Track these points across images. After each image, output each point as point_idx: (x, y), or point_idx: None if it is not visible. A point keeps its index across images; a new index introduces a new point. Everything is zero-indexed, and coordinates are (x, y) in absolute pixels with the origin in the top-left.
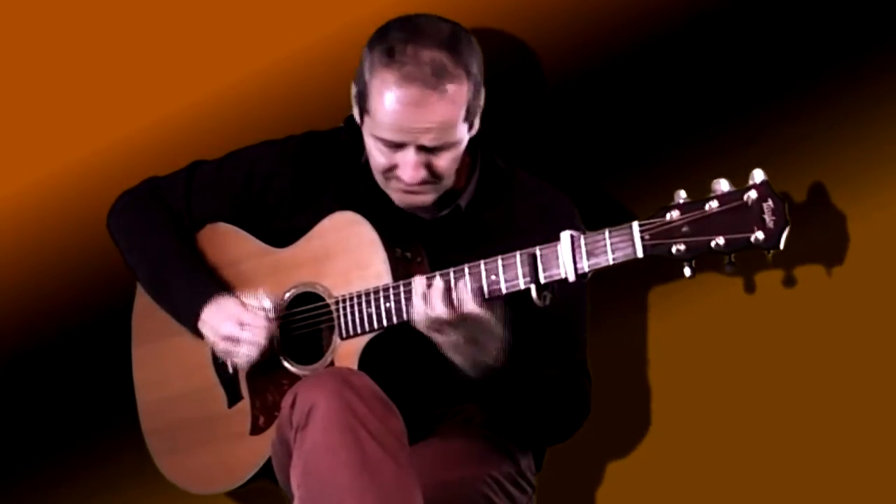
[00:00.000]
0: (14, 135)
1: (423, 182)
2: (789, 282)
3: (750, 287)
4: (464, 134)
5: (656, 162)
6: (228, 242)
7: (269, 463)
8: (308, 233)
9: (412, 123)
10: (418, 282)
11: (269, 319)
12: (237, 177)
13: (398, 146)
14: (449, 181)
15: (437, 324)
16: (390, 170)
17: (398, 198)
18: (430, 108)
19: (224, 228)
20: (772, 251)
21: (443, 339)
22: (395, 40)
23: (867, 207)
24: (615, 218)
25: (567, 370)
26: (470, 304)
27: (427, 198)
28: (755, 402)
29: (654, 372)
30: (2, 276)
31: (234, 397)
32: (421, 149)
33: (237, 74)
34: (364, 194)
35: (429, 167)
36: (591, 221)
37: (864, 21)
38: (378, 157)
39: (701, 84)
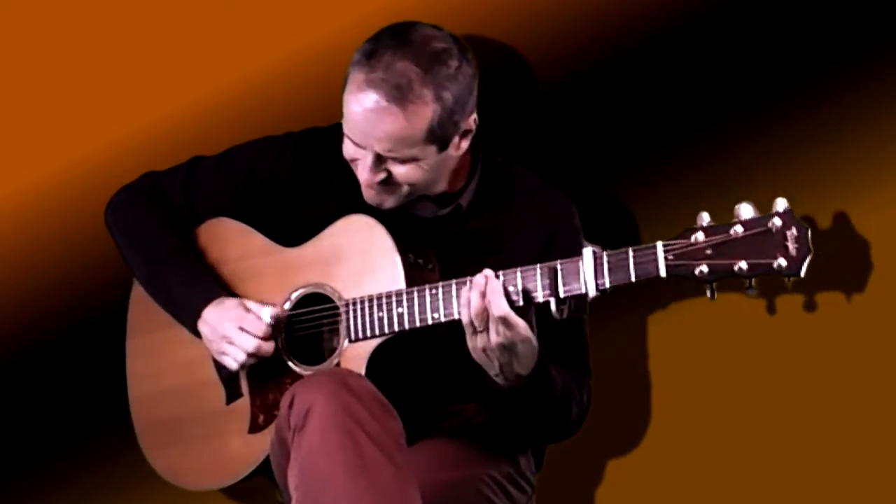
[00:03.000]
0: (14, 135)
1: (381, 184)
2: (793, 291)
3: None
4: (429, 154)
5: (670, 171)
6: (234, 238)
7: (266, 460)
8: (319, 234)
9: (365, 127)
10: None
11: (267, 331)
12: (238, 172)
13: (360, 146)
14: (418, 191)
15: (478, 322)
16: (352, 162)
17: (363, 192)
18: (382, 120)
19: (229, 224)
20: (792, 278)
21: (480, 343)
22: (380, 44)
23: (884, 225)
24: (618, 221)
25: (571, 368)
26: (503, 307)
27: (385, 200)
28: (756, 404)
29: (654, 373)
30: (2, 275)
31: (233, 394)
32: (378, 155)
33: (237, 74)
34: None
35: (388, 173)
36: (593, 225)
37: (889, 39)
38: (346, 146)
39: (716, 93)
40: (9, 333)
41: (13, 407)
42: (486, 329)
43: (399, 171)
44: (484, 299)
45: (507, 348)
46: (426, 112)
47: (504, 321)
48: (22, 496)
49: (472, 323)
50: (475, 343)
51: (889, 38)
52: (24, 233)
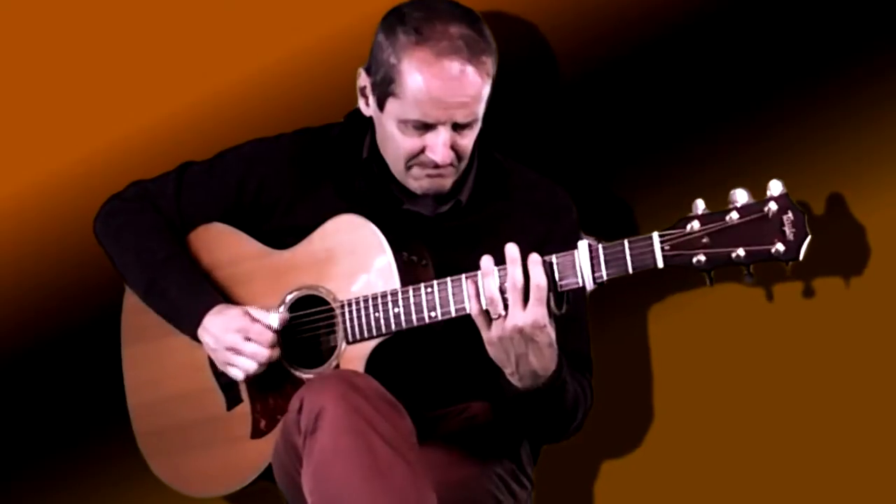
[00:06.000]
0: (14, 135)
1: (449, 164)
2: (791, 277)
3: (757, 283)
4: (483, 111)
5: (664, 162)
6: (225, 243)
7: (269, 466)
8: (310, 235)
9: (451, 98)
10: (486, 261)
11: (274, 339)
12: (230, 177)
13: (428, 127)
14: (464, 165)
15: (495, 306)
16: (416, 154)
17: (421, 184)
18: (469, 81)
19: (220, 228)
20: (791, 263)
21: (496, 332)
22: (417, 20)
23: (879, 209)
24: (614, 210)
25: (573, 364)
26: (541, 277)
27: (448, 181)
28: (756, 403)
29: (651, 363)
30: (1, 275)
31: (233, 400)
32: (451, 127)
33: (236, 74)
34: (365, 191)
35: (453, 148)
36: (596, 221)
37: (886, 26)
38: (403, 142)
39: (716, 85)
40: (9, 333)
41: (13, 407)
42: (504, 315)
43: (465, 141)
44: (526, 273)
45: (528, 337)
46: (491, 62)
47: (540, 292)
48: (22, 496)
49: (484, 312)
50: (491, 334)
51: (883, 24)
52: (24, 233)
